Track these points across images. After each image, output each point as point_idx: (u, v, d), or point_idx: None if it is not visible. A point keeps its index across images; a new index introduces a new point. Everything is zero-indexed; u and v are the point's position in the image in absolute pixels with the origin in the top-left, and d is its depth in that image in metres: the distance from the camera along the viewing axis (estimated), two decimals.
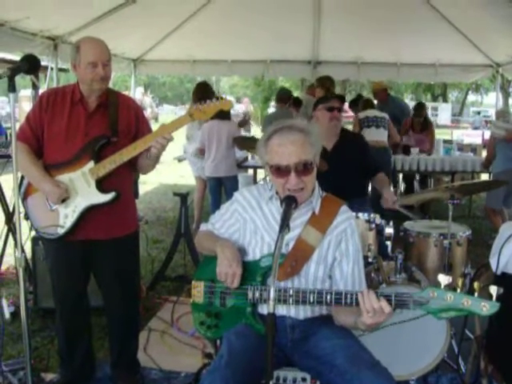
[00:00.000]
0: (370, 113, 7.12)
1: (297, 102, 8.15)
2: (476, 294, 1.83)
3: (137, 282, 3.36)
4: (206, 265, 2.43)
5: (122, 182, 2.92)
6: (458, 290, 1.86)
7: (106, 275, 3.06)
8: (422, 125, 8.20)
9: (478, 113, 37.69)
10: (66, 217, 2.85)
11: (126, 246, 3.07)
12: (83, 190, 2.83)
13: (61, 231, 2.86)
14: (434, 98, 41.34)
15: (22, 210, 2.88)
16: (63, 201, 2.83)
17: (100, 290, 3.16)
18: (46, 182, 2.80)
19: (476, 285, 1.86)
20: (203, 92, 6.14)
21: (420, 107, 8.29)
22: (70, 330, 3.11)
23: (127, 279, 3.10)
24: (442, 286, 1.87)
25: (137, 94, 11.55)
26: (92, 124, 2.85)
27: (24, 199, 2.94)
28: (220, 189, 6.47)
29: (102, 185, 2.83)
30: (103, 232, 2.92)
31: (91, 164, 2.80)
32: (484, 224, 7.34)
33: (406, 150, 7.86)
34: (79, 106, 2.86)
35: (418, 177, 8.75)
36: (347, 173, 3.70)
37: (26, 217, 2.96)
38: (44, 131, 2.86)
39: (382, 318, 1.93)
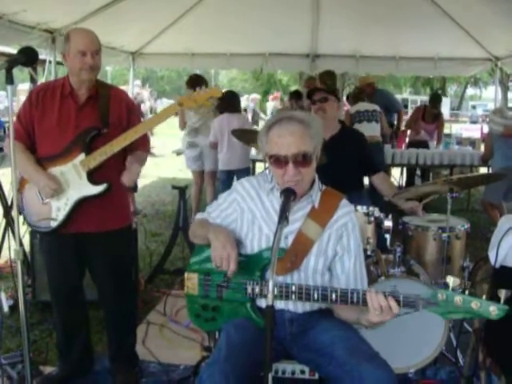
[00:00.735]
0: (361, 106, 7.04)
1: (297, 95, 8.14)
2: (484, 297, 1.82)
3: (132, 276, 3.35)
4: (198, 254, 2.43)
5: (114, 174, 2.89)
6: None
7: (99, 269, 3.05)
8: (433, 116, 8.18)
9: (474, 107, 37.52)
10: (59, 210, 2.85)
11: (120, 239, 3.06)
12: (75, 182, 2.82)
13: (53, 224, 2.86)
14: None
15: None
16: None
17: (94, 283, 3.14)
18: (39, 176, 2.79)
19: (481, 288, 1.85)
20: (196, 82, 6.12)
21: (437, 99, 8.23)
22: (66, 323, 3.11)
23: (121, 273, 3.09)
24: (450, 288, 1.87)
25: (135, 87, 11.51)
26: (82, 116, 2.84)
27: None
28: (231, 182, 6.46)
29: (93, 177, 2.82)
30: (95, 225, 2.91)
31: (82, 156, 2.79)
32: (483, 217, 7.33)
33: (425, 145, 7.83)
34: (69, 98, 2.85)
35: (418, 171, 8.74)
36: (345, 165, 3.67)
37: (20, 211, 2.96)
38: (35, 127, 2.85)
39: (389, 317, 1.95)
